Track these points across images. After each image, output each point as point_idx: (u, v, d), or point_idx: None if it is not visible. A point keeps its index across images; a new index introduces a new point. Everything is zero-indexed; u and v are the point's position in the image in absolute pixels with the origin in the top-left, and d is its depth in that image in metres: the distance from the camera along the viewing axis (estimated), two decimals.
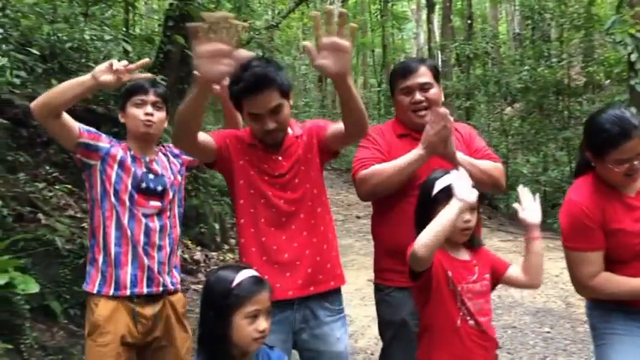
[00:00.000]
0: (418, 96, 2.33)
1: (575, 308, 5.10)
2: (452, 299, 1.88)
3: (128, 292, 2.25)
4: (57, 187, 4.53)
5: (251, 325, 1.63)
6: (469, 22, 16.43)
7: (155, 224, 2.31)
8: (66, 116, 2.22)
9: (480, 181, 2.05)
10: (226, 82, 2.19)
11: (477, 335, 1.89)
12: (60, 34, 5.24)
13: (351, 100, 1.87)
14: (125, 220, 2.27)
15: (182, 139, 1.99)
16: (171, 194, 2.39)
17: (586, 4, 11.14)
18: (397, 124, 2.44)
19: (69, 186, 4.54)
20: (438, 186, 1.92)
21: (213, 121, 7.93)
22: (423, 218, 1.85)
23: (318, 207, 2.17)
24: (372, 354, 4.22)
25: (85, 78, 2.17)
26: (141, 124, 2.33)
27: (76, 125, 2.25)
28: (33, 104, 2.17)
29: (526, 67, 11.91)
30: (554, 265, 5.83)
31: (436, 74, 2.40)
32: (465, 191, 1.80)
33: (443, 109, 2.15)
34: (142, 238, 2.28)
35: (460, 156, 2.20)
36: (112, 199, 2.27)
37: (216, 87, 2.27)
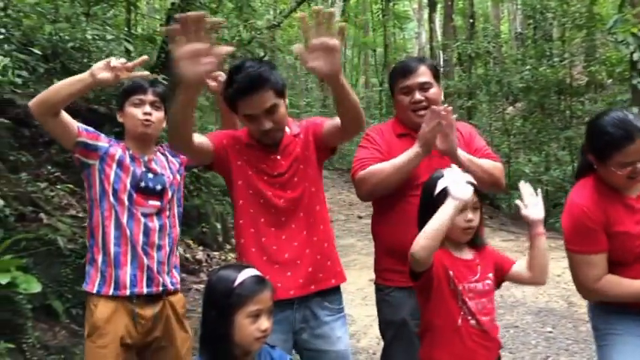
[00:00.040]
0: (418, 95, 2.33)
1: (578, 308, 5.09)
2: (453, 299, 1.88)
3: (128, 292, 2.24)
4: (59, 186, 4.53)
5: (253, 325, 1.63)
6: (471, 21, 16.41)
7: (154, 224, 2.30)
8: (65, 115, 2.21)
9: (481, 180, 2.06)
10: (222, 77, 2.19)
11: (478, 335, 1.88)
12: (62, 34, 5.25)
13: (346, 99, 1.87)
14: (124, 220, 2.26)
15: (176, 142, 2.00)
16: (170, 193, 2.38)
17: (588, 3, 11.11)
18: (397, 124, 2.44)
19: (71, 185, 4.54)
20: (440, 185, 1.91)
21: (213, 121, 7.92)
22: (426, 218, 1.84)
23: (317, 205, 2.17)
24: (374, 353, 4.22)
25: (82, 75, 2.17)
26: (139, 123, 2.32)
27: (75, 124, 2.25)
28: (31, 102, 2.17)
29: (528, 67, 11.87)
30: (557, 264, 5.81)
31: (436, 74, 2.40)
32: (460, 189, 1.79)
33: (446, 106, 2.15)
34: (141, 237, 2.27)
35: (461, 154, 2.20)
36: (111, 198, 2.26)
37: (213, 83, 2.27)
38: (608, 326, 2.09)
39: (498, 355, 1.99)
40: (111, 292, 2.23)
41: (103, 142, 2.30)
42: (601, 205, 2.00)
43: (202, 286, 4.99)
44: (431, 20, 17.62)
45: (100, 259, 2.27)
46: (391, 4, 20.53)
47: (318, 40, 1.67)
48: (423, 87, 2.33)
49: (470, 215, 1.89)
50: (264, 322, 1.64)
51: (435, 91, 2.35)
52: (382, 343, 2.44)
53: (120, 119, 2.41)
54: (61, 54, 5.23)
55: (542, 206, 2.01)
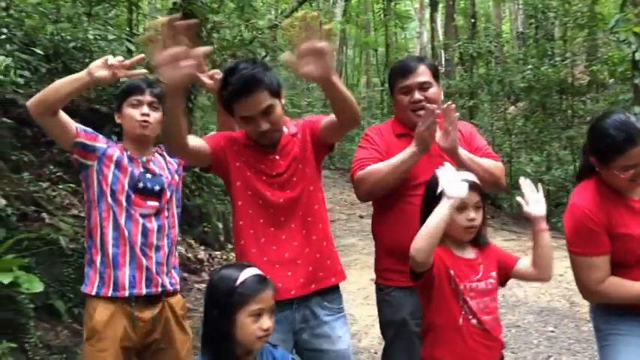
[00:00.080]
0: (417, 95, 2.32)
1: (579, 307, 5.08)
2: (454, 298, 1.88)
3: (127, 293, 2.22)
4: (61, 186, 4.54)
5: (255, 324, 1.63)
6: (472, 21, 16.38)
7: (153, 224, 2.29)
8: (63, 115, 2.20)
9: (482, 180, 2.05)
10: (219, 75, 2.19)
11: (479, 334, 1.88)
12: (63, 34, 5.25)
13: (341, 99, 1.87)
14: (122, 221, 2.24)
15: (171, 146, 2.00)
16: (168, 194, 2.36)
17: (590, 2, 11.09)
18: (396, 124, 2.44)
19: (73, 185, 4.55)
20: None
21: (215, 121, 7.91)
22: (428, 217, 1.84)
23: (315, 204, 2.17)
24: (375, 353, 4.22)
25: (80, 74, 2.16)
26: (137, 124, 2.31)
27: (74, 125, 2.24)
28: (29, 102, 2.16)
29: (529, 66, 11.86)
30: (559, 264, 5.75)
31: (435, 73, 2.40)
32: (454, 188, 1.78)
33: (449, 104, 2.15)
34: (139, 238, 2.26)
35: (462, 152, 2.20)
36: (109, 199, 2.25)
37: (209, 82, 2.27)
38: (611, 327, 2.08)
39: (501, 354, 1.99)
40: (110, 293, 2.22)
41: (100, 142, 2.29)
42: (603, 207, 1.99)
43: (204, 285, 4.99)
44: (432, 20, 17.62)
45: (98, 260, 2.26)
46: (392, 3, 20.50)
47: (306, 45, 1.66)
48: (423, 86, 2.33)
49: (472, 214, 1.89)
50: (266, 321, 1.65)
51: (434, 91, 2.35)
52: (384, 343, 2.44)
53: (118, 120, 2.40)
54: (63, 54, 5.23)
55: (544, 202, 1.99)
